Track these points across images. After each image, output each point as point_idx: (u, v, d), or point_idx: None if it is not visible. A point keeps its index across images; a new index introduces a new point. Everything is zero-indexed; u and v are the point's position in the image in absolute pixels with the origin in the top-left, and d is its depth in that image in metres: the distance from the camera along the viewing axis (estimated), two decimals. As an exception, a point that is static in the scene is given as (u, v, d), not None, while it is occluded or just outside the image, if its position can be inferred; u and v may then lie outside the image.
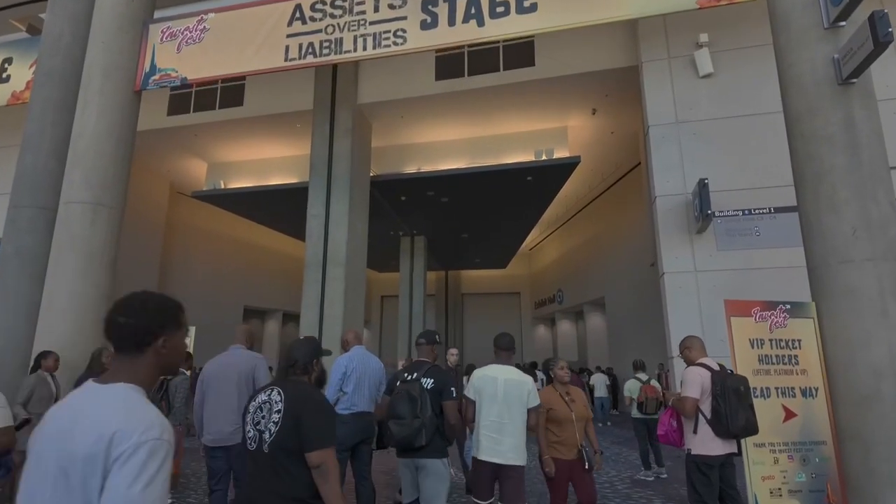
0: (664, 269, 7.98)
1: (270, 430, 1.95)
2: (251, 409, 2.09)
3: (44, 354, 5.17)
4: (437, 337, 3.55)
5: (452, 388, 3.24)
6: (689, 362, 3.79)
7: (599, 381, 13.99)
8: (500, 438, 3.26)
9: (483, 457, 3.29)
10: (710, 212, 7.21)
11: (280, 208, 14.76)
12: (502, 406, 3.31)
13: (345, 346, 4.16)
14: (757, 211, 7.77)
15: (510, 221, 16.21)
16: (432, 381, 3.21)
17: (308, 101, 11.60)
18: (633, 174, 14.88)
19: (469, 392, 3.47)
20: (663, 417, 3.75)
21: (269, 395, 2.07)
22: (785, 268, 7.43)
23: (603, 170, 15.37)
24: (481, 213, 15.44)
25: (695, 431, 3.46)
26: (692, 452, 3.49)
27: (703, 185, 7.37)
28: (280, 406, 1.98)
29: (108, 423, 0.99)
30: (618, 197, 16.27)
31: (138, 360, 1.15)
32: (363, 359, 3.93)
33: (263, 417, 2.01)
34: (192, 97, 12.89)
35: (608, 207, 17.17)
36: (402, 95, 11.11)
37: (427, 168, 12.97)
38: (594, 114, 11.72)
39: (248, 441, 2.03)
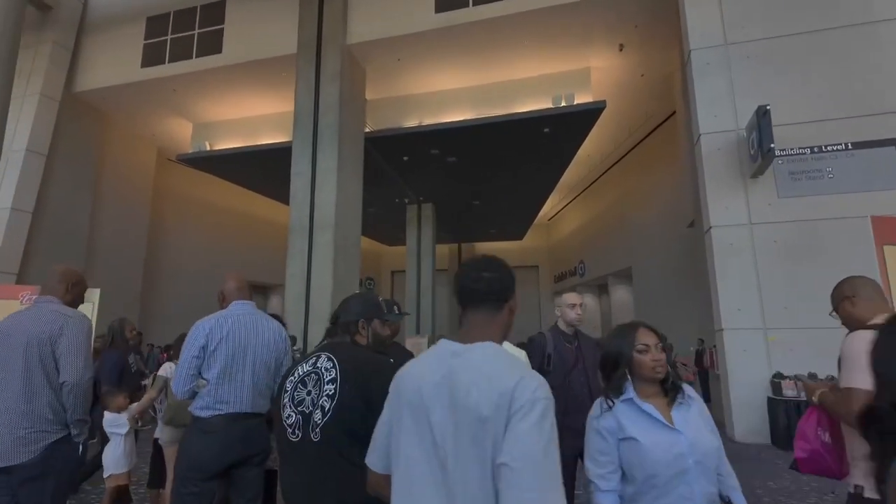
0: (711, 223, 6.67)
1: (324, 408, 1.51)
2: (288, 385, 1.63)
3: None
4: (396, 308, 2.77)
5: None
6: (856, 323, 1.89)
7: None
8: None
9: None
10: (771, 146, 5.85)
11: (272, 171, 13.63)
12: None
13: (221, 302, 2.56)
14: (829, 148, 6.39)
15: (526, 184, 14.85)
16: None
17: (292, 44, 10.37)
18: (665, 126, 13.37)
19: None
20: (804, 426, 1.98)
21: (315, 363, 1.62)
22: (864, 218, 6.06)
23: (630, 122, 13.87)
24: (493, 175, 14.12)
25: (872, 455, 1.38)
26: (863, 495, 1.67)
27: (763, 114, 5.99)
28: (334, 374, 1.56)
29: (505, 379, 1.05)
30: (648, 153, 14.77)
31: (497, 317, 1.21)
32: (245, 323, 2.35)
33: (309, 394, 1.56)
34: (167, 46, 11.75)
35: (637, 166, 15.69)
36: (398, 32, 9.80)
37: (430, 121, 11.66)
38: (621, 50, 10.25)
39: (289, 430, 1.55)
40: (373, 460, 1.23)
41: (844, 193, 6.24)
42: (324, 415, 1.49)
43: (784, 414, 5.52)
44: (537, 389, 1.04)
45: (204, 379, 2.26)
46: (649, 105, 12.70)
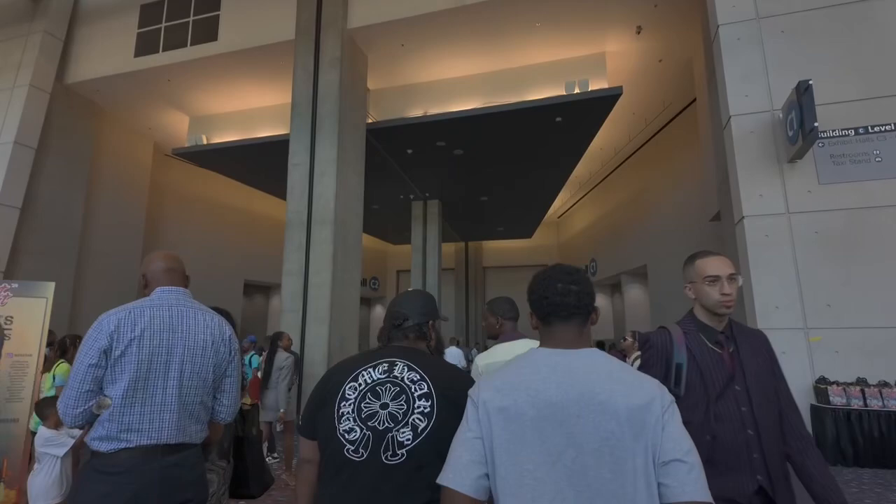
0: (744, 213, 6.10)
1: (416, 427, 1.27)
2: (350, 393, 1.34)
3: (279, 335, 6.14)
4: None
5: None
6: None
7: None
8: None
9: None
10: (814, 125, 5.28)
11: (271, 165, 13.19)
12: None
13: (143, 289, 1.93)
14: (876, 128, 5.82)
15: (536, 179, 14.31)
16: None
17: (290, 29, 9.91)
18: (685, 116, 12.78)
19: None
20: None
21: (391, 370, 1.37)
22: (917, 205, 5.52)
23: (647, 112, 13.28)
24: (502, 169, 13.59)
25: None
26: None
27: (804, 90, 5.43)
28: (426, 388, 1.32)
29: (643, 382, 1.09)
30: (665, 145, 14.18)
31: (585, 330, 1.20)
32: (170, 318, 1.76)
33: (385, 407, 1.30)
34: (161, 34, 11.33)
35: (653, 159, 15.10)
36: (402, 15, 9.29)
37: (435, 111, 11.16)
38: (639, 33, 9.69)
39: (349, 446, 1.28)
40: (460, 482, 1.09)
41: (894, 179, 5.66)
42: (416, 435, 1.28)
43: (833, 424, 4.95)
44: (665, 394, 1.09)
45: (106, 396, 1.61)
46: (667, 93, 12.12)
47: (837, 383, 5.17)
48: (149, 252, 15.46)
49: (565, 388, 1.07)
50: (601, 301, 21.56)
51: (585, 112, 10.28)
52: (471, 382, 1.36)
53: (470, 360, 14.22)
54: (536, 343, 2.18)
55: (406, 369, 1.38)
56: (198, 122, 13.78)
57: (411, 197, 16.31)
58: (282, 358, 5.79)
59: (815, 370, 5.48)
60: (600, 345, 14.15)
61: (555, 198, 16.50)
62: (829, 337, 5.50)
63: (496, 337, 2.38)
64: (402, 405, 1.32)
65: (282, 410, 5.47)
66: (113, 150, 14.02)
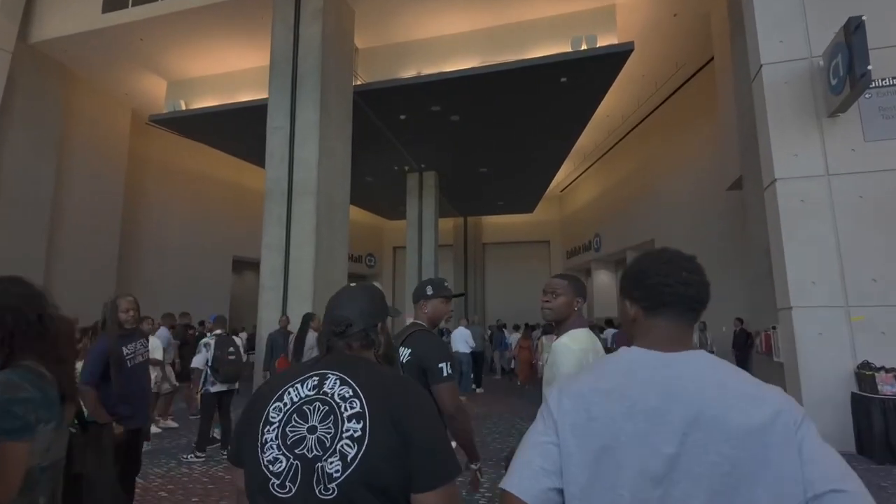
0: (776, 175, 5.40)
1: (345, 455, 1.04)
2: (274, 415, 1.13)
3: (311, 316, 6.33)
4: (428, 289, 2.49)
5: (442, 365, 2.22)
6: None
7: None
8: None
9: None
10: (867, 69, 4.54)
11: (256, 133, 12.38)
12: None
13: None
14: (934, 76, 5.06)
15: (539, 148, 13.51)
16: (409, 351, 2.28)
17: (268, -21, 9.06)
18: (700, 77, 11.94)
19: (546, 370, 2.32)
20: None
21: (322, 386, 1.14)
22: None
23: (658, 74, 12.43)
24: (502, 137, 12.80)
25: None
26: None
27: (855, 28, 4.67)
28: (358, 406, 1.10)
29: (764, 392, 0.92)
30: (678, 109, 13.34)
31: (693, 328, 1.05)
32: None
33: (313, 430, 1.08)
34: (129, -13, 10.45)
35: (664, 125, 14.28)
36: (390, -40, 8.44)
37: (429, 71, 10.34)
38: (654, -19, 8.83)
39: (274, 480, 1.06)
40: (526, 490, 0.93)
41: (953, 134, 4.95)
42: (345, 465, 1.03)
43: (881, 416, 4.33)
44: (792, 399, 0.94)
45: None
46: (682, 52, 11.28)
47: (885, 369, 4.54)
48: (128, 227, 14.85)
49: (668, 399, 0.92)
50: (605, 278, 20.95)
51: (593, 71, 9.48)
52: (422, 396, 1.18)
53: (485, 340, 13.65)
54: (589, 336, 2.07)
55: (338, 384, 1.14)
56: (176, 87, 12.95)
57: (406, 168, 15.54)
58: (313, 338, 5.91)
59: (858, 354, 4.85)
60: (609, 323, 13.56)
61: (558, 169, 15.72)
62: (874, 316, 4.87)
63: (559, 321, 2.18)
64: (329, 428, 1.08)
65: None
66: (86, 117, 13.23)
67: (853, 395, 4.73)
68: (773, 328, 5.72)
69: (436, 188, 16.03)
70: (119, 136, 14.32)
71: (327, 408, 1.10)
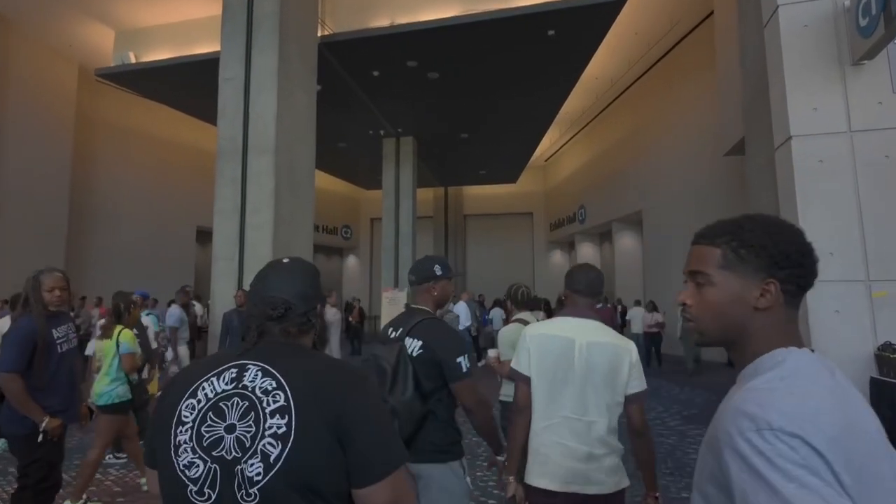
0: (791, 132, 4.80)
1: (267, 455, 0.95)
2: (187, 413, 1.02)
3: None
4: (437, 269, 2.25)
5: (460, 360, 2.03)
6: None
7: (637, 317, 11.23)
8: (580, 448, 1.99)
9: (546, 482, 1.99)
10: (908, 4, 3.90)
11: (212, 90, 11.45)
12: (584, 389, 2.02)
13: None
14: (976, 18, 4.45)
15: (524, 109, 12.76)
16: (420, 343, 2.04)
17: None
18: (696, 36, 11.25)
19: (520, 360, 2.14)
20: None
21: (241, 379, 1.03)
22: None
23: (651, 33, 11.72)
24: (484, 98, 12.03)
25: None
26: None
27: (895, -46, 4.01)
28: (281, 399, 0.99)
29: None
30: (672, 71, 12.69)
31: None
32: None
33: (231, 430, 0.98)
34: (63, -82, 9.31)
35: (656, 89, 13.64)
36: None
37: (404, 20, 9.47)
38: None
39: (191, 486, 0.97)
40: None
41: None
42: (268, 466, 0.94)
43: (907, 405, 3.87)
44: None
45: None
46: (677, 8, 10.56)
47: (912, 352, 4.06)
48: (78, 194, 13.79)
49: (870, 419, 0.74)
50: (588, 252, 20.53)
51: (583, 24, 8.74)
52: (356, 382, 1.04)
53: (479, 319, 13.03)
54: (587, 323, 2.08)
55: (259, 375, 1.02)
56: (125, 38, 11.84)
57: (382, 133, 14.69)
58: (330, 313, 6.02)
59: (879, 335, 4.36)
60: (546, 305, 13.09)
61: (543, 134, 15.03)
62: (899, 292, 4.35)
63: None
64: (250, 427, 0.97)
65: None
66: (26, 72, 12.09)
67: (872, 379, 4.26)
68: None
69: (414, 155, 15.24)
70: (65, 94, 13.19)
71: (247, 403, 0.99)
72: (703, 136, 10.89)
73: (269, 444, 0.95)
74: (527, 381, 2.11)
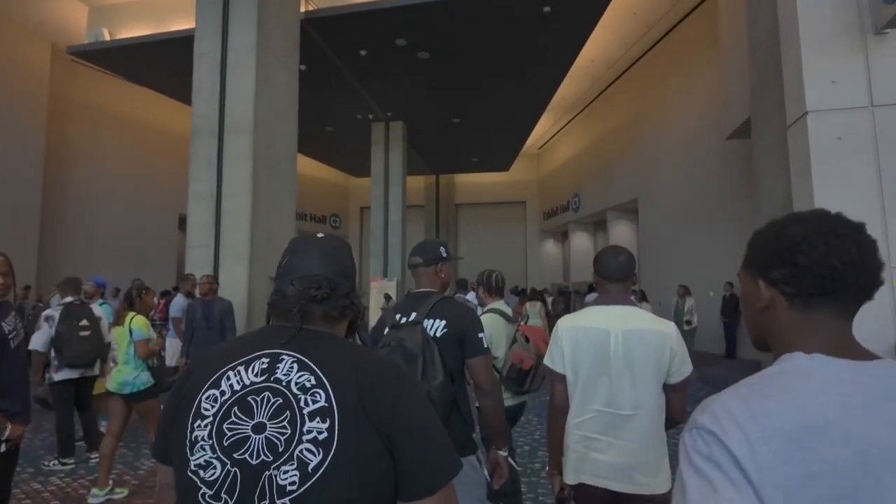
0: (807, 107, 4.46)
1: (305, 462, 0.83)
2: (207, 407, 0.89)
3: None
4: (442, 250, 2.22)
5: (481, 335, 2.02)
6: None
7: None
8: (617, 444, 1.92)
9: (584, 478, 1.96)
10: (944, -38, 3.55)
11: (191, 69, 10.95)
12: (620, 381, 1.93)
13: None
14: None
15: (517, 93, 12.33)
16: (444, 323, 2.00)
17: None
18: (698, 14, 10.88)
19: (553, 357, 2.07)
20: None
21: (273, 371, 0.90)
22: None
23: (650, 13, 11.34)
24: (476, 80, 11.61)
25: None
26: None
27: None
28: (323, 400, 0.87)
29: None
30: (672, 53, 12.32)
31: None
32: None
33: (260, 429, 0.86)
34: None
35: (654, 72, 13.27)
36: None
37: (393, -4, 9.02)
38: None
39: (205, 490, 0.84)
40: None
41: None
42: (304, 476, 0.81)
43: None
44: None
45: None
46: (678, -15, 10.18)
47: (938, 345, 3.77)
48: (53, 178, 13.28)
49: (889, 432, 0.67)
50: (582, 242, 20.25)
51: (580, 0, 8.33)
52: (396, 371, 0.95)
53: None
54: (624, 310, 2.01)
55: (295, 368, 0.89)
56: (99, 14, 11.30)
57: (371, 117, 14.23)
58: None
59: (903, 326, 4.05)
60: (590, 287, 12.82)
61: (537, 119, 14.62)
62: (923, 280, 4.04)
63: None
64: (284, 428, 0.84)
65: None
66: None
67: (894, 374, 3.94)
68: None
69: (403, 140, 14.79)
70: (37, 74, 12.61)
71: (280, 400, 0.86)
72: (703, 120, 10.56)
73: (308, 450, 0.83)
74: (562, 379, 2.04)
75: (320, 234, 1.08)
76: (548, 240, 23.29)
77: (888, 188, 4.20)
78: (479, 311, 3.28)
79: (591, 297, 11.14)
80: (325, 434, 0.84)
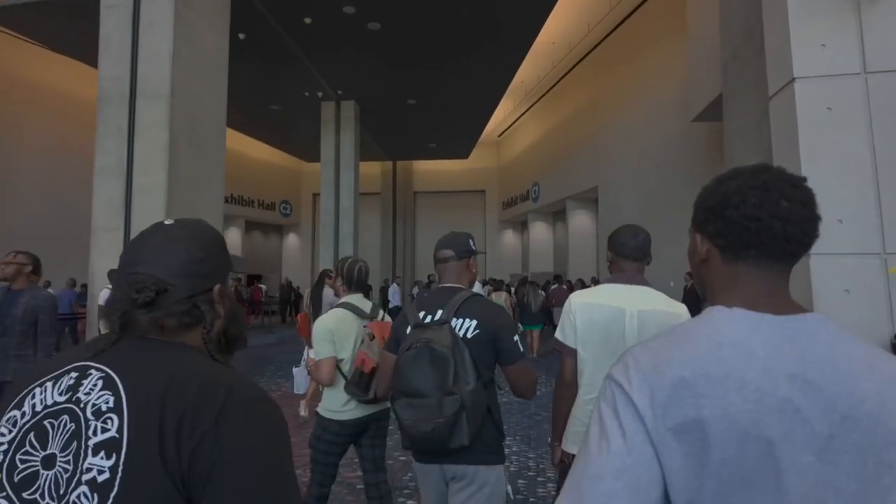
0: (794, 73, 4.01)
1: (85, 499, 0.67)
2: (4, 432, 0.74)
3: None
4: (471, 243, 2.13)
5: (516, 339, 1.91)
6: None
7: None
8: None
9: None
10: None
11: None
12: None
13: None
14: None
15: (476, 72, 11.72)
16: (475, 323, 1.87)
17: None
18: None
19: (565, 331, 2.07)
20: None
21: (77, 388, 0.74)
22: None
23: (614, -8, 10.88)
24: (432, 58, 10.92)
25: None
26: None
27: None
28: (114, 429, 0.69)
29: None
30: (636, 31, 11.90)
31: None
32: None
33: (51, 464, 0.70)
34: None
35: (616, 55, 12.90)
36: None
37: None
38: None
39: None
40: None
41: None
42: None
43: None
44: None
45: None
46: (643, -39, 9.74)
47: (939, 339, 3.38)
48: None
49: (805, 387, 0.69)
50: (541, 231, 19.94)
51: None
52: (236, 408, 0.72)
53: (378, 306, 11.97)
54: (637, 290, 2.02)
55: (99, 386, 0.73)
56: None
57: (320, 95, 13.30)
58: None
59: (897, 318, 3.66)
60: (557, 278, 12.41)
61: (497, 102, 14.05)
62: (919, 267, 3.66)
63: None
64: (68, 463, 0.68)
65: None
66: None
67: (889, 373, 3.55)
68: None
69: (356, 121, 13.94)
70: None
71: (74, 426, 0.70)
72: (666, 104, 10.22)
73: (84, 495, 0.67)
74: (572, 353, 2.03)
75: (169, 221, 0.89)
76: (507, 230, 22.91)
77: (882, 164, 3.76)
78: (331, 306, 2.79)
79: (554, 288, 10.76)
80: (107, 475, 0.67)
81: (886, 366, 0.70)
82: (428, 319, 1.89)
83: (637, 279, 2.02)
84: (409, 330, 1.89)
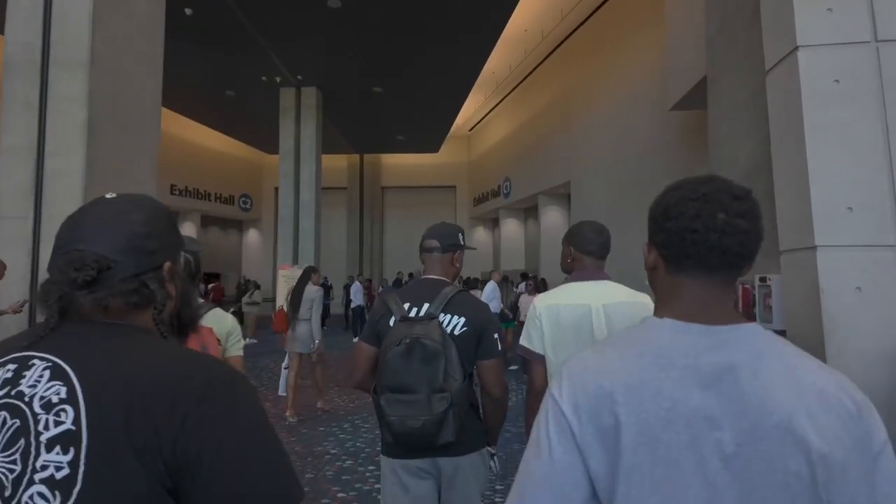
0: (797, 42, 3.58)
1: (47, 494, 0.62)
2: None
3: (313, 269, 6.36)
4: (460, 237, 2.17)
5: (497, 336, 1.98)
6: None
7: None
8: None
9: None
10: None
11: None
12: None
13: None
14: None
15: (446, 58, 11.17)
16: (464, 320, 1.91)
17: None
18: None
19: (531, 337, 2.04)
20: None
21: (18, 382, 0.69)
22: None
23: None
24: (399, 42, 10.32)
25: None
26: None
27: None
28: (70, 422, 0.65)
29: (839, 393, 0.71)
30: (612, 17, 11.48)
31: (732, 289, 0.84)
32: None
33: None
34: None
35: (589, 45, 12.52)
36: None
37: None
38: None
39: None
40: None
41: None
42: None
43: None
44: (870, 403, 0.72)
45: None
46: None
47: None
48: None
49: (718, 396, 0.71)
50: (512, 228, 19.57)
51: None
52: (210, 388, 0.69)
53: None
54: (602, 286, 2.04)
55: (46, 376, 0.68)
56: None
57: (278, 80, 12.53)
58: (312, 290, 5.97)
59: (916, 319, 3.25)
60: (524, 276, 11.98)
61: (467, 93, 13.54)
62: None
63: (570, 272, 2.12)
64: (14, 463, 0.64)
65: (317, 341, 5.84)
66: None
67: (906, 381, 3.17)
68: (763, 280, 4.06)
69: (318, 109, 13.22)
70: None
71: (18, 423, 0.66)
72: (642, 94, 9.88)
73: (41, 495, 0.62)
74: (541, 360, 2.01)
75: (110, 195, 0.85)
76: (478, 226, 22.49)
77: (894, 136, 3.37)
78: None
79: (523, 286, 10.35)
80: (66, 470, 0.63)
81: (808, 377, 0.71)
82: (413, 313, 1.89)
83: (599, 275, 2.04)
84: (392, 322, 1.87)
